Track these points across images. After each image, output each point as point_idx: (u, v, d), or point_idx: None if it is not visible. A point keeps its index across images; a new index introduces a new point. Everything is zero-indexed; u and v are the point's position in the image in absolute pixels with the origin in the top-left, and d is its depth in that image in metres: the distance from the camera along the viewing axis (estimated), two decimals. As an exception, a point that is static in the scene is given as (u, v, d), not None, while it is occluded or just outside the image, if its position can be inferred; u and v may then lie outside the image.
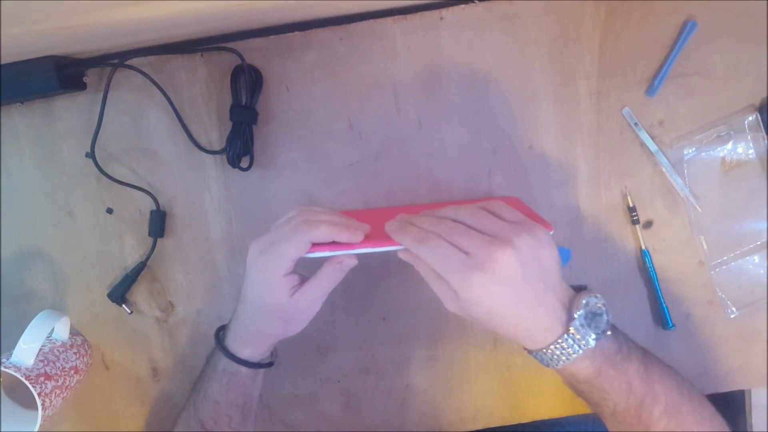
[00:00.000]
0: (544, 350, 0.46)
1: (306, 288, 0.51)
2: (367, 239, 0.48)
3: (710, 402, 0.52)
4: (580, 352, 0.45)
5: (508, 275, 0.42)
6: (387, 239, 0.47)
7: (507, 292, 0.43)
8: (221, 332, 0.57)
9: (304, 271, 0.52)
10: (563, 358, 0.45)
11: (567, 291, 0.47)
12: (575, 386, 0.49)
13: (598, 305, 0.46)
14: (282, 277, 0.49)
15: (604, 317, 0.46)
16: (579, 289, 0.48)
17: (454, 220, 0.45)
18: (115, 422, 0.67)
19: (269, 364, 0.58)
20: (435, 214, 0.47)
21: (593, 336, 0.45)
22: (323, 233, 0.47)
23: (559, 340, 0.45)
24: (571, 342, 0.45)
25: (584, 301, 0.45)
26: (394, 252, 0.48)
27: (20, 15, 0.40)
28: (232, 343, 0.55)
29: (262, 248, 0.50)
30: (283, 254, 0.48)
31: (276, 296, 0.50)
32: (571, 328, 0.45)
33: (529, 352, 0.48)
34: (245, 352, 0.55)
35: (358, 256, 0.50)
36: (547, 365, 0.47)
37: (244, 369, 0.55)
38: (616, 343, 0.47)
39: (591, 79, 0.62)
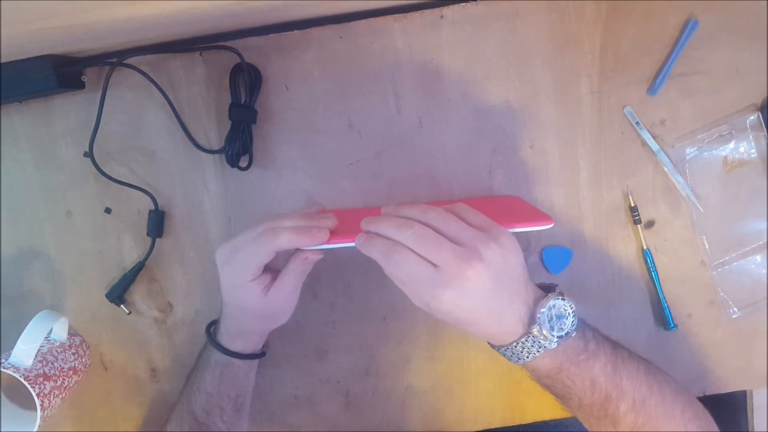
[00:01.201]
0: (505, 348, 0.48)
1: (277, 285, 0.52)
2: (340, 234, 0.49)
3: (690, 395, 0.53)
4: (541, 351, 0.46)
5: (477, 289, 0.43)
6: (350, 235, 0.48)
7: (475, 304, 0.44)
8: (212, 327, 0.58)
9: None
10: (524, 355, 0.47)
11: (534, 292, 0.48)
12: (539, 380, 0.51)
13: (564, 307, 0.47)
14: (249, 282, 0.50)
15: (569, 319, 0.47)
16: (548, 289, 0.49)
17: (422, 224, 0.45)
18: (114, 422, 0.67)
19: (261, 355, 0.58)
20: (401, 213, 0.47)
21: (555, 338, 0.46)
22: (285, 241, 0.48)
23: (522, 340, 0.46)
24: (532, 342, 0.46)
25: (550, 303, 0.46)
26: None
27: (19, 14, 0.40)
28: (223, 337, 0.56)
29: (227, 255, 0.51)
30: (247, 263, 0.49)
31: (249, 299, 0.52)
32: (533, 330, 0.46)
33: (493, 346, 0.50)
34: (237, 346, 0.56)
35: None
36: (509, 359, 0.49)
37: (236, 360, 0.56)
38: (583, 341, 0.49)
39: (592, 78, 0.62)
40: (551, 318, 0.46)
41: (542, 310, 0.46)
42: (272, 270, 0.53)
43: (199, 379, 0.57)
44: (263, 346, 0.59)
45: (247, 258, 0.49)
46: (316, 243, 0.48)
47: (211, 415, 0.57)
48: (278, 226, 0.49)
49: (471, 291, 0.43)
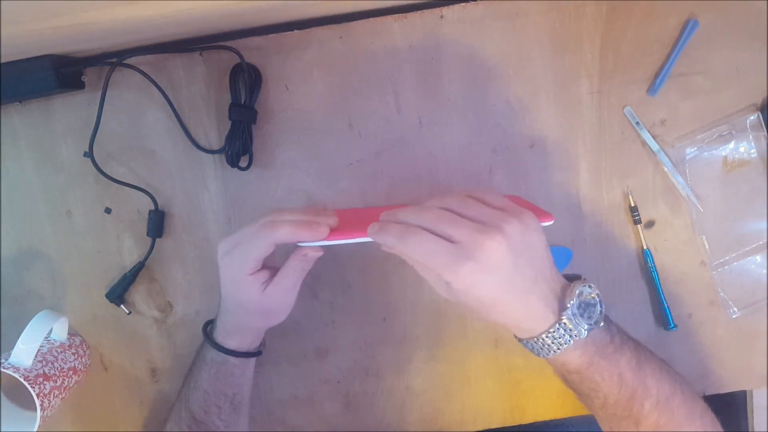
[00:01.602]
0: (535, 339, 0.45)
1: (276, 281, 0.51)
2: (341, 231, 0.48)
3: (704, 401, 0.52)
4: (571, 342, 0.45)
5: (498, 263, 0.41)
6: (361, 231, 0.47)
7: (497, 280, 0.42)
8: (209, 326, 0.58)
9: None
10: (554, 347, 0.45)
11: (560, 280, 0.47)
12: (566, 376, 0.49)
13: (592, 295, 0.45)
14: (248, 276, 0.50)
15: (598, 308, 0.45)
16: (572, 279, 0.47)
17: (441, 208, 0.44)
18: (114, 423, 0.67)
19: (256, 353, 0.58)
20: (422, 203, 0.46)
21: (585, 327, 0.45)
22: (285, 234, 0.47)
23: (551, 330, 0.45)
24: (563, 332, 0.44)
25: (578, 291, 0.45)
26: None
27: (18, 14, 0.40)
28: (219, 335, 0.56)
29: (227, 248, 0.51)
30: (246, 255, 0.49)
31: (247, 293, 0.51)
32: (563, 318, 0.44)
33: (520, 340, 0.48)
34: (232, 343, 0.56)
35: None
36: (538, 354, 0.47)
37: (231, 359, 0.56)
38: (609, 334, 0.47)
39: (592, 78, 0.62)
40: (580, 305, 0.45)
41: (572, 298, 0.44)
42: (272, 268, 0.53)
43: (196, 376, 0.57)
44: (260, 345, 0.59)
45: (246, 251, 0.49)
46: (317, 238, 0.47)
47: (209, 414, 0.57)
48: (278, 219, 0.48)
49: (492, 264, 0.41)
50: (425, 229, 0.42)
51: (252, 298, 0.51)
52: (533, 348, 0.46)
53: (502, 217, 0.42)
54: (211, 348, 0.56)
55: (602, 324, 0.46)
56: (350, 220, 0.51)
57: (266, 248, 0.49)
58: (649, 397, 0.47)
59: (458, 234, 0.41)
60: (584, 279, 0.47)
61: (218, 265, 0.52)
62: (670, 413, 0.48)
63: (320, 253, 0.51)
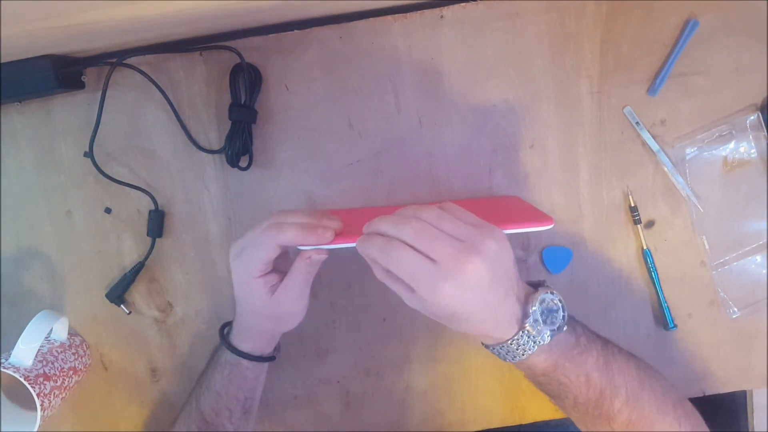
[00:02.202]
0: (501, 345, 0.47)
1: (284, 284, 0.51)
2: (345, 235, 0.49)
3: (679, 391, 0.53)
4: (535, 348, 0.47)
5: (476, 283, 0.43)
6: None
7: (473, 297, 0.43)
8: (226, 328, 0.59)
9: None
10: (519, 353, 0.47)
11: (524, 288, 0.48)
12: (534, 378, 0.50)
13: (555, 301, 0.47)
14: (256, 279, 0.51)
15: (560, 313, 0.47)
16: (537, 285, 0.49)
17: (419, 221, 0.44)
18: (114, 423, 0.67)
19: (270, 358, 0.58)
20: (398, 213, 0.46)
21: (548, 333, 0.47)
22: (289, 237, 0.48)
23: (515, 337, 0.46)
24: (527, 338, 0.46)
25: (540, 298, 0.47)
26: None
27: (18, 14, 0.40)
28: (234, 337, 0.56)
29: (237, 251, 0.51)
30: (252, 258, 0.49)
31: (256, 297, 0.52)
32: (526, 326, 0.46)
33: (486, 346, 0.49)
34: (246, 346, 0.56)
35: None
36: (504, 359, 0.48)
37: (245, 362, 0.56)
38: (574, 336, 0.49)
39: (592, 78, 0.62)
40: (543, 312, 0.47)
41: (534, 305, 0.46)
42: (282, 272, 0.52)
43: (209, 378, 0.57)
44: (273, 350, 0.59)
45: (252, 253, 0.49)
46: (321, 243, 0.48)
47: (220, 417, 0.57)
48: (283, 222, 0.49)
49: (470, 284, 0.43)
50: (406, 244, 0.43)
51: (260, 302, 0.52)
52: (499, 353, 0.48)
53: (478, 237, 0.44)
54: (226, 350, 0.56)
55: (565, 328, 0.48)
56: (353, 222, 0.51)
57: (271, 251, 0.49)
58: (618, 395, 0.49)
59: (438, 252, 0.43)
60: (547, 286, 0.49)
61: (231, 269, 0.52)
62: (641, 409, 0.50)
63: (324, 256, 0.51)
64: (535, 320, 0.46)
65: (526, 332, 0.46)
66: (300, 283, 0.52)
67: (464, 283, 0.42)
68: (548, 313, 0.47)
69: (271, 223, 0.49)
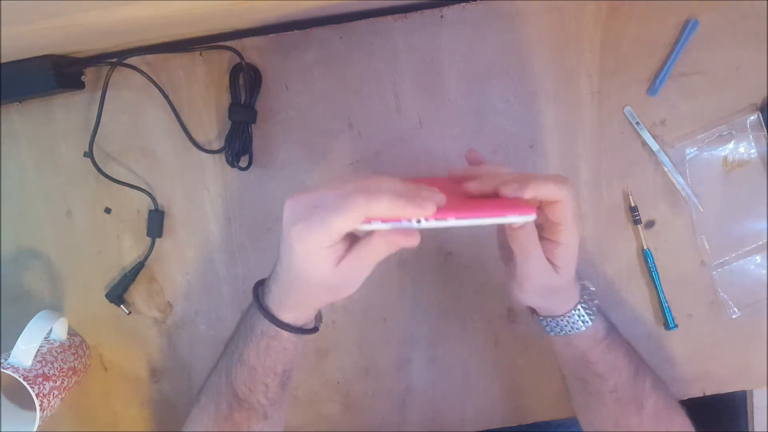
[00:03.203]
0: (572, 311, 0.51)
1: (353, 257, 0.42)
2: (445, 210, 0.40)
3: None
4: (593, 317, 0.51)
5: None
6: (467, 210, 0.40)
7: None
8: (260, 288, 0.50)
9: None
10: (579, 324, 0.51)
11: None
12: (582, 358, 0.53)
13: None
14: (326, 248, 0.41)
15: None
16: None
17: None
18: (114, 423, 0.67)
19: (314, 330, 0.51)
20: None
21: (594, 305, 0.52)
22: (384, 208, 0.38)
23: (578, 307, 0.51)
24: (586, 307, 0.51)
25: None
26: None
27: (18, 14, 0.40)
28: (273, 305, 0.48)
29: (303, 213, 0.41)
30: (330, 226, 0.39)
31: (319, 268, 0.42)
32: (585, 295, 0.52)
33: (542, 319, 0.53)
34: (288, 316, 0.48)
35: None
36: (560, 332, 0.52)
37: (285, 333, 0.48)
38: (604, 317, 0.54)
39: (592, 78, 0.61)
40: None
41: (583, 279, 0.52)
42: (346, 241, 0.43)
43: (241, 349, 0.50)
44: (315, 320, 0.52)
45: (332, 221, 0.39)
46: (422, 214, 0.39)
47: (254, 392, 0.50)
48: (376, 189, 0.39)
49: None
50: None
51: (323, 273, 0.43)
52: (561, 325, 0.52)
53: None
54: (262, 318, 0.48)
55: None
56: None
57: (356, 221, 0.39)
58: (647, 375, 0.52)
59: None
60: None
61: (285, 230, 0.42)
62: (665, 395, 0.52)
63: (416, 242, 0.40)
64: (589, 290, 0.52)
65: (583, 303, 0.51)
66: (372, 259, 0.42)
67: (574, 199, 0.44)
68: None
69: (360, 187, 0.39)
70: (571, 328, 0.51)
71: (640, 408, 0.51)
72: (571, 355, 0.53)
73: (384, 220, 0.39)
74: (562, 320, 0.51)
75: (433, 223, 0.39)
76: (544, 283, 0.48)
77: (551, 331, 0.53)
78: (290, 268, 0.44)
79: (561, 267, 0.47)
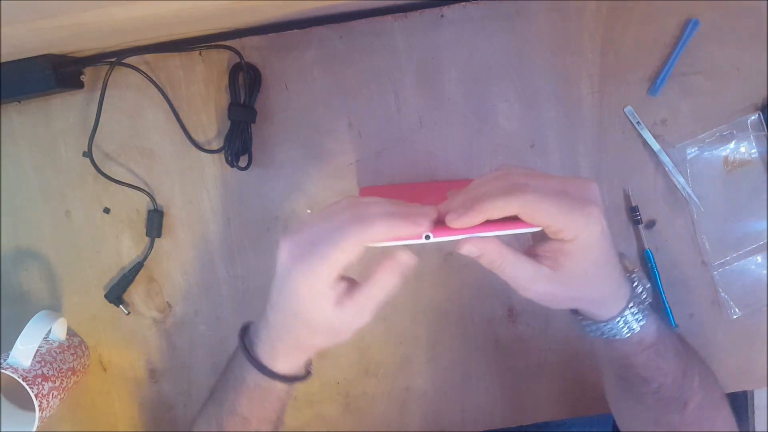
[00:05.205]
0: (617, 318, 0.44)
1: (355, 297, 0.41)
2: (440, 227, 0.39)
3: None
4: (646, 317, 0.44)
5: (602, 211, 0.38)
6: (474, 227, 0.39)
7: (606, 230, 0.39)
8: (246, 336, 0.48)
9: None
10: (633, 324, 0.44)
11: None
12: (625, 362, 0.46)
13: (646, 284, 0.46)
14: (328, 288, 0.40)
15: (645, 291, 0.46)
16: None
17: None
18: (113, 423, 0.67)
19: (307, 376, 0.50)
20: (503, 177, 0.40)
21: (647, 303, 0.45)
22: (381, 230, 0.37)
23: (630, 306, 0.44)
24: (638, 307, 0.44)
25: (640, 277, 0.46)
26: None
27: (18, 14, 0.40)
28: (265, 354, 0.46)
29: (300, 251, 0.39)
30: (328, 261, 0.38)
31: (319, 310, 0.40)
32: (638, 290, 0.45)
33: (592, 328, 0.45)
34: (281, 366, 0.46)
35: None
36: (615, 335, 0.44)
37: (279, 384, 0.47)
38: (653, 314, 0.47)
39: (593, 77, 0.61)
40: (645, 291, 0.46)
41: (641, 284, 0.45)
42: (347, 278, 0.42)
43: (231, 399, 0.48)
44: (306, 365, 0.49)
45: (329, 255, 0.38)
46: (419, 232, 0.38)
47: None
48: (366, 213, 0.38)
49: (600, 209, 0.39)
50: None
51: (324, 315, 0.41)
52: (617, 328, 0.44)
53: (584, 182, 0.40)
54: (253, 369, 0.46)
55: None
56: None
57: (356, 252, 0.38)
58: (696, 371, 0.47)
59: (562, 184, 0.38)
60: (630, 260, 0.47)
61: (282, 271, 0.41)
62: (713, 393, 0.48)
63: (414, 261, 0.40)
64: (643, 285, 0.45)
65: (636, 301, 0.44)
66: (377, 298, 0.41)
67: (599, 205, 0.38)
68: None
69: (351, 214, 0.38)
70: (615, 334, 0.45)
71: (683, 407, 0.46)
72: (613, 356, 0.47)
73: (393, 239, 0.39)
74: (604, 326, 0.44)
75: (440, 240, 0.39)
76: (547, 291, 0.41)
77: (591, 333, 0.46)
78: (288, 310, 0.42)
79: (573, 268, 0.40)
